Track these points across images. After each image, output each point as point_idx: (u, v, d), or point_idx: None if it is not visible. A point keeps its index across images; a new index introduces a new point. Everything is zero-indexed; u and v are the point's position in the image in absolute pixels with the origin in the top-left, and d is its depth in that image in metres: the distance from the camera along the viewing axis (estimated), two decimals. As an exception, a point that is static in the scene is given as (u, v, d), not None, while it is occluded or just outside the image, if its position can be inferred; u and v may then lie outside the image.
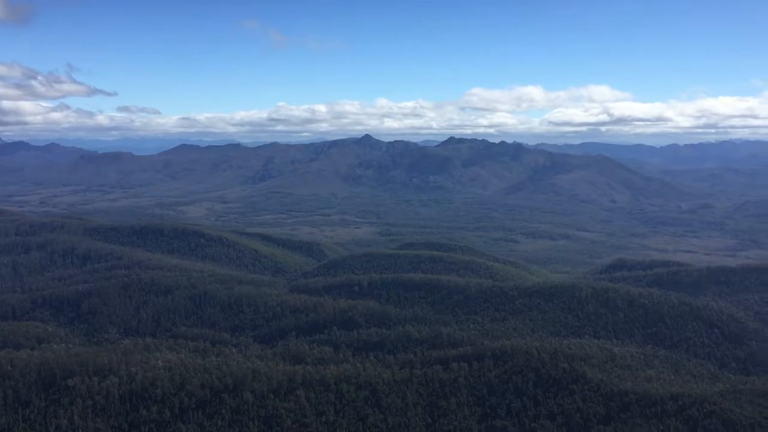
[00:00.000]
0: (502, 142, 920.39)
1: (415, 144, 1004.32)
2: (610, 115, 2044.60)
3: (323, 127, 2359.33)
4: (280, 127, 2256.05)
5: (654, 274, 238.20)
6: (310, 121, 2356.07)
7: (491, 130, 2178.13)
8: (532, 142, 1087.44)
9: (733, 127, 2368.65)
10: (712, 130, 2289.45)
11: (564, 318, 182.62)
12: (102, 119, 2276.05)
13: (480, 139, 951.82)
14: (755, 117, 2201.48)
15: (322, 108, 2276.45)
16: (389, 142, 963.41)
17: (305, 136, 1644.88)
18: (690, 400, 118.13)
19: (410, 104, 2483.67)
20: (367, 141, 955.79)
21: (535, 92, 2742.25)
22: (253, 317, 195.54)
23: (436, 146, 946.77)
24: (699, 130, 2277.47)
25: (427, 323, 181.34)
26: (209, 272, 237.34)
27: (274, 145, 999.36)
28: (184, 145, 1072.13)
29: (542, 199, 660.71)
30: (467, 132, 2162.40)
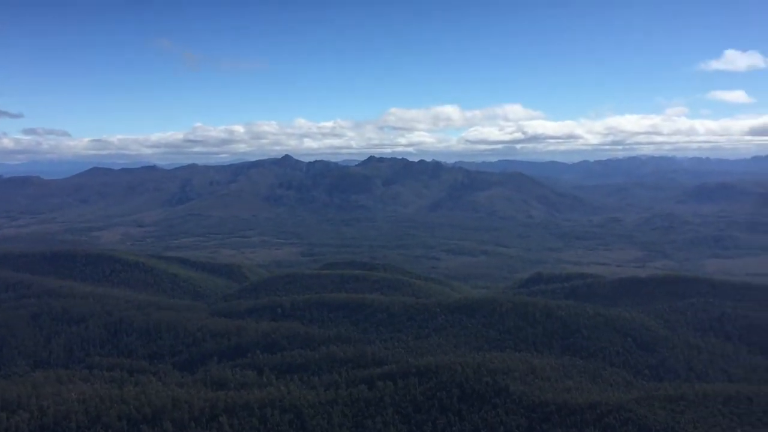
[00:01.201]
0: (422, 161, 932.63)
1: (336, 164, 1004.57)
2: (524, 133, 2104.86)
3: (242, 147, 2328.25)
4: (197, 149, 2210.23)
5: (570, 287, 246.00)
6: (228, 141, 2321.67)
7: (410, 149, 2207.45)
8: (450, 160, 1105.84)
9: (639, 143, 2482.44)
10: (620, 147, 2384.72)
11: (486, 332, 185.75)
12: (7, 142, 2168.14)
13: (400, 157, 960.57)
14: (659, 134, 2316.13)
15: (240, 128, 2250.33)
16: (309, 162, 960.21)
17: (224, 157, 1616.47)
18: (607, 408, 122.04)
19: (329, 124, 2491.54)
20: (287, 161, 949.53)
21: (451, 111, 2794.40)
22: (172, 343, 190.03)
23: (356, 165, 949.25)
24: (607, 147, 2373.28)
25: (351, 343, 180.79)
26: (125, 299, 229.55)
27: (191, 167, 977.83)
28: (96, 168, 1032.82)
29: (462, 216, 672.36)
30: (387, 151, 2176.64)
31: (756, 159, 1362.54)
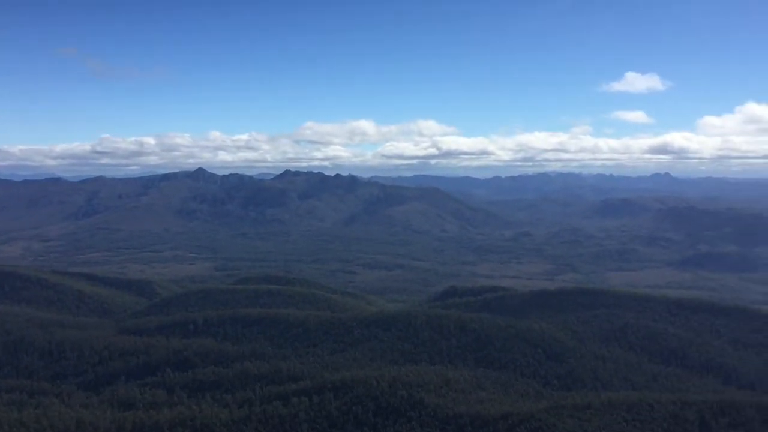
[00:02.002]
0: (338, 175, 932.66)
1: (251, 177, 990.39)
2: (438, 148, 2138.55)
3: (153, 160, 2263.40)
4: (105, 160, 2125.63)
5: (483, 300, 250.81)
6: (138, 153, 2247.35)
7: (326, 163, 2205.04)
8: (366, 175, 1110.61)
9: (547, 160, 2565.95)
10: (530, 163, 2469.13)
11: (401, 346, 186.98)
12: None
13: (316, 171, 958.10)
14: (566, 151, 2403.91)
15: (150, 140, 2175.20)
16: (224, 176, 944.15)
17: (133, 170, 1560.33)
18: (519, 418, 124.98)
19: (244, 137, 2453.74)
20: (200, 174, 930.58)
21: (367, 126, 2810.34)
22: (76, 363, 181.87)
23: (272, 179, 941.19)
24: (518, 163, 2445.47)
25: (266, 359, 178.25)
26: (26, 317, 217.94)
27: (99, 179, 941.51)
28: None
29: (377, 230, 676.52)
30: (303, 165, 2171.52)
31: (655, 176, 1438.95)
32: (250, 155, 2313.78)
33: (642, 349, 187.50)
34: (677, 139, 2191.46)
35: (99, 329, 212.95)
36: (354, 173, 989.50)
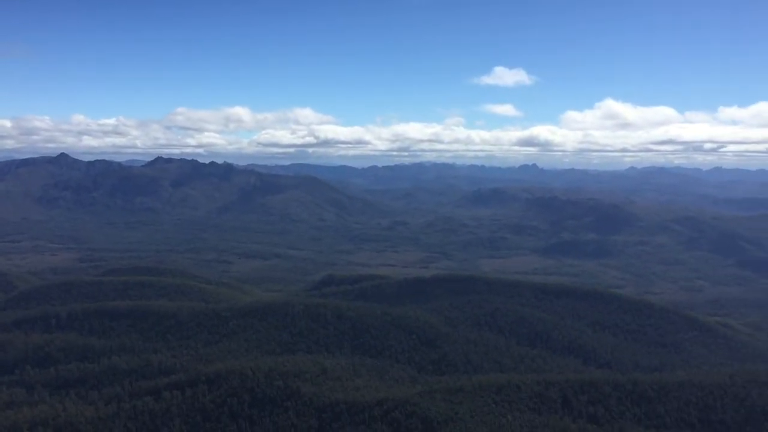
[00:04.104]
0: (212, 163, 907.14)
1: (119, 164, 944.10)
2: (316, 137, 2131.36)
3: (9, 144, 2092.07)
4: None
5: (360, 288, 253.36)
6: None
7: (200, 150, 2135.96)
8: (242, 163, 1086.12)
9: (422, 150, 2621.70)
10: (406, 153, 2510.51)
11: (278, 336, 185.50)
12: None
13: (189, 159, 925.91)
14: (440, 142, 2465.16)
15: (6, 123, 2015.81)
16: (89, 162, 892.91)
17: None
18: (393, 403, 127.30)
19: (111, 121, 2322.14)
20: (63, 160, 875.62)
21: (242, 113, 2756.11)
22: None
23: (142, 166, 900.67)
24: (395, 153, 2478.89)
25: (135, 353, 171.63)
26: None
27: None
28: None
29: (254, 219, 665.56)
30: (175, 152, 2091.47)
31: (523, 167, 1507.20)
32: (118, 141, 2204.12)
33: (510, 333, 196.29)
34: (543, 132, 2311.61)
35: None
36: (230, 161, 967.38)
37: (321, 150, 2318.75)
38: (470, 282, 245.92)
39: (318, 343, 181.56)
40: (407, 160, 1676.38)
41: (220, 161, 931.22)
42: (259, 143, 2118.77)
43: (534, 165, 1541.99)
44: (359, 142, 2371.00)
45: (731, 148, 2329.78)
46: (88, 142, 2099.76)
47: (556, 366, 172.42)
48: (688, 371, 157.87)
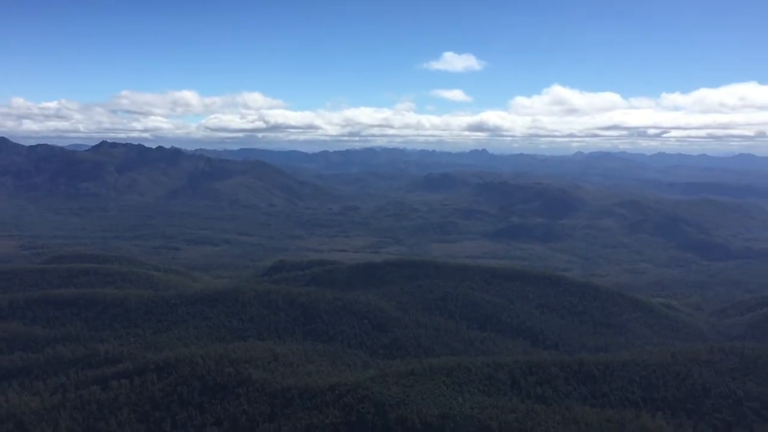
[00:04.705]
0: (160, 147, 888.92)
1: (62, 148, 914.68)
2: (265, 122, 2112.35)
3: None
4: None
5: (311, 273, 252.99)
6: None
7: (147, 135, 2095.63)
8: (190, 147, 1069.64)
9: (373, 135, 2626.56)
10: (357, 138, 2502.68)
11: (228, 322, 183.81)
12: None
13: (135, 143, 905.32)
14: (391, 127, 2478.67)
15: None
16: (30, 146, 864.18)
17: None
18: (346, 388, 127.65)
19: (53, 105, 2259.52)
20: (2, 144, 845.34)
21: (190, 97, 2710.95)
22: None
23: (86, 151, 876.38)
24: (345, 138, 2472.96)
25: (81, 342, 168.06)
26: None
27: None
28: None
29: (203, 204, 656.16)
30: (121, 136, 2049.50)
31: (473, 152, 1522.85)
32: (61, 125, 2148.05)
33: (461, 316, 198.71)
34: (492, 117, 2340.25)
35: None
36: (177, 146, 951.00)
37: (271, 135, 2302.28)
38: (421, 266, 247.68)
39: (269, 329, 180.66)
40: (358, 145, 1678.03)
41: (167, 146, 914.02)
42: (207, 128, 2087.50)
43: (484, 150, 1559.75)
44: (310, 127, 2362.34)
45: (674, 133, 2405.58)
46: (29, 126, 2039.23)
47: (505, 348, 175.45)
48: (632, 351, 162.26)
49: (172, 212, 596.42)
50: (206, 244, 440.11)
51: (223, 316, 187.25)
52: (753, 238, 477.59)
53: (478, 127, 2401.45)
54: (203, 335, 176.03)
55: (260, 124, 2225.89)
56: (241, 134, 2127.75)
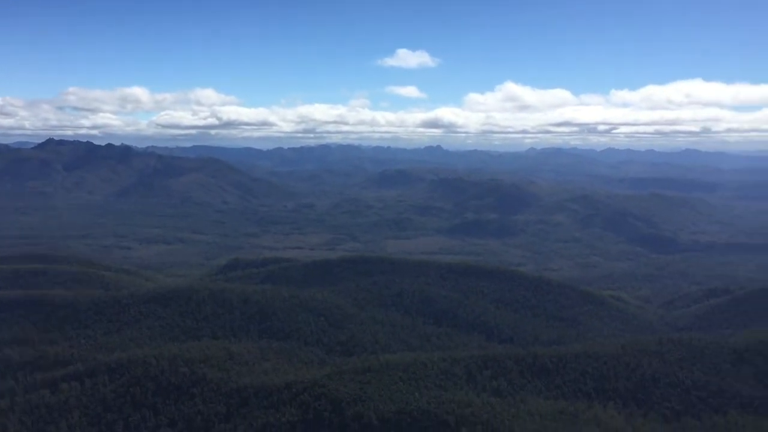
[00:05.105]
0: (109, 145, 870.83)
1: (6, 146, 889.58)
2: (218, 118, 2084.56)
3: None
4: None
5: (267, 271, 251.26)
6: None
7: (95, 132, 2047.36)
8: (141, 145, 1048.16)
9: (328, 132, 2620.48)
10: (312, 135, 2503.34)
11: (182, 322, 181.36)
12: None
13: (84, 141, 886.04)
14: (346, 123, 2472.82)
15: None
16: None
17: None
18: (302, 386, 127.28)
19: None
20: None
21: (140, 93, 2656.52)
22: None
23: (32, 148, 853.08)
24: (300, 135, 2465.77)
25: (30, 344, 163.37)
26: None
27: None
28: None
29: (155, 202, 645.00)
30: (69, 133, 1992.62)
31: (428, 149, 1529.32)
32: (5, 122, 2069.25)
33: (417, 312, 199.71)
34: (447, 114, 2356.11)
35: None
36: (128, 143, 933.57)
37: (224, 132, 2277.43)
38: (377, 263, 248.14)
39: (224, 328, 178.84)
40: (313, 142, 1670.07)
41: (117, 143, 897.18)
42: (158, 125, 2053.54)
43: (438, 146, 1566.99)
44: (264, 124, 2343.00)
45: (623, 129, 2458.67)
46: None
47: (461, 343, 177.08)
48: (584, 343, 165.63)
49: (123, 211, 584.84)
50: (159, 243, 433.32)
51: (176, 316, 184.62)
52: (699, 232, 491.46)
53: (433, 124, 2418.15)
54: (156, 335, 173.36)
55: (213, 121, 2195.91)
56: (193, 131, 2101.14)
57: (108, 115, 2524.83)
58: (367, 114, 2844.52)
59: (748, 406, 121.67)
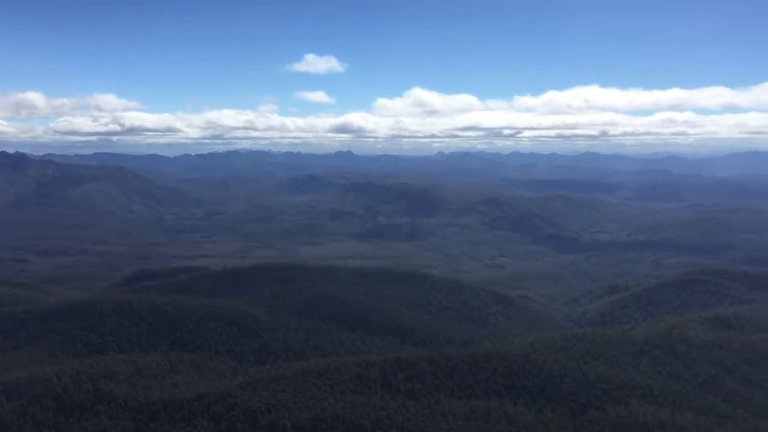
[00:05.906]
0: (3, 153, 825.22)
1: None
2: (120, 125, 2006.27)
3: None
4: None
5: (175, 281, 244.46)
6: None
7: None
8: (38, 152, 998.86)
9: (237, 138, 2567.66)
10: (220, 141, 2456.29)
11: (85, 337, 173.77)
12: None
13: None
14: (255, 129, 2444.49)
15: None
16: None
17: None
18: (214, 397, 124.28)
19: None
20: None
21: (36, 98, 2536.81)
22: None
23: None
24: (208, 141, 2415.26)
25: None
26: None
27: None
28: None
29: (54, 213, 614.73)
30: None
31: (338, 154, 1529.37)
32: None
33: (331, 318, 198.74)
34: (356, 119, 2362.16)
35: None
36: (23, 150, 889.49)
37: (127, 138, 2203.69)
38: (289, 270, 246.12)
39: (131, 341, 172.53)
40: (221, 148, 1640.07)
41: (11, 151, 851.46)
42: (56, 131, 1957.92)
43: (349, 151, 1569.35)
44: (169, 130, 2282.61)
45: (527, 133, 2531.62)
46: None
47: (375, 347, 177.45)
48: (495, 342, 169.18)
49: (18, 222, 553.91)
50: (59, 255, 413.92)
51: (78, 331, 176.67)
52: (600, 231, 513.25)
53: (343, 129, 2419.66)
54: (57, 352, 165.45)
55: (115, 127, 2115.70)
56: (94, 138, 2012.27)
57: (0, 121, 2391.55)
58: (276, 119, 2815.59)
59: (648, 396, 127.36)
